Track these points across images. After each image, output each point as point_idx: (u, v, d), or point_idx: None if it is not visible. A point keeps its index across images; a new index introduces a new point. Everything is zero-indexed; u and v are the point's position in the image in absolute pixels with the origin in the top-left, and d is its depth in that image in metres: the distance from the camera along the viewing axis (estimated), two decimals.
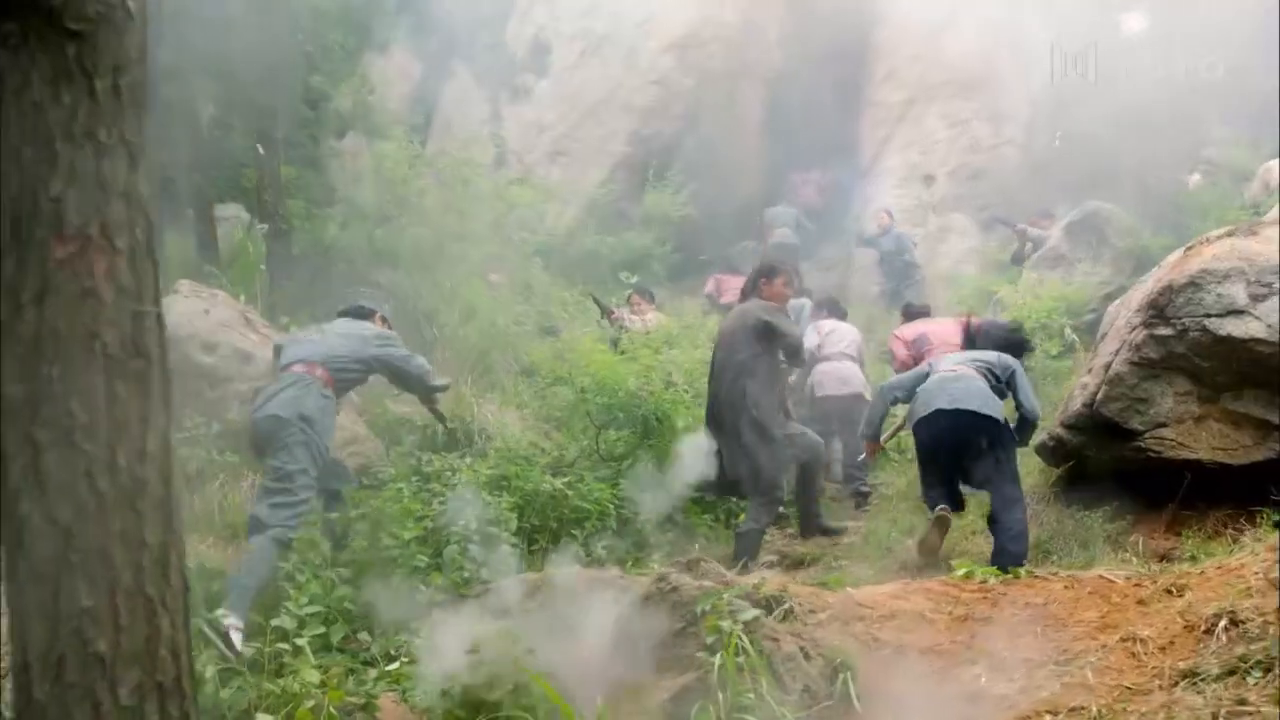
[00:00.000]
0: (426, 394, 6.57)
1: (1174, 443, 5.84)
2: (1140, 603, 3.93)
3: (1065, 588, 4.29)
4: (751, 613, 3.55)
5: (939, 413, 5.76)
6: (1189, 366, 5.81)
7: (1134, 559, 5.36)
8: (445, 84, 17.13)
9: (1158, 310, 5.88)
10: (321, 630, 4.39)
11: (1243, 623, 3.37)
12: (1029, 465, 6.93)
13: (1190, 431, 5.82)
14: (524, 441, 7.87)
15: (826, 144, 16.22)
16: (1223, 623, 3.40)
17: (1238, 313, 5.62)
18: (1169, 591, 3.94)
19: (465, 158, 14.11)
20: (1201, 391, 5.83)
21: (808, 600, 4.17)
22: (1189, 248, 6.25)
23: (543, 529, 6.59)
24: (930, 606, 4.16)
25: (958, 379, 5.88)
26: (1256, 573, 3.78)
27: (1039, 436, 6.59)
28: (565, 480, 6.78)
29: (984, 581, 4.49)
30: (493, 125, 16.58)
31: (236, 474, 6.96)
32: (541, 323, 12.28)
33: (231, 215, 13.15)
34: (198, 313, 7.42)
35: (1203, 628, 3.44)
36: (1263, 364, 5.55)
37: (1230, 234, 6.06)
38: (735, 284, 13.53)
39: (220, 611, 4.42)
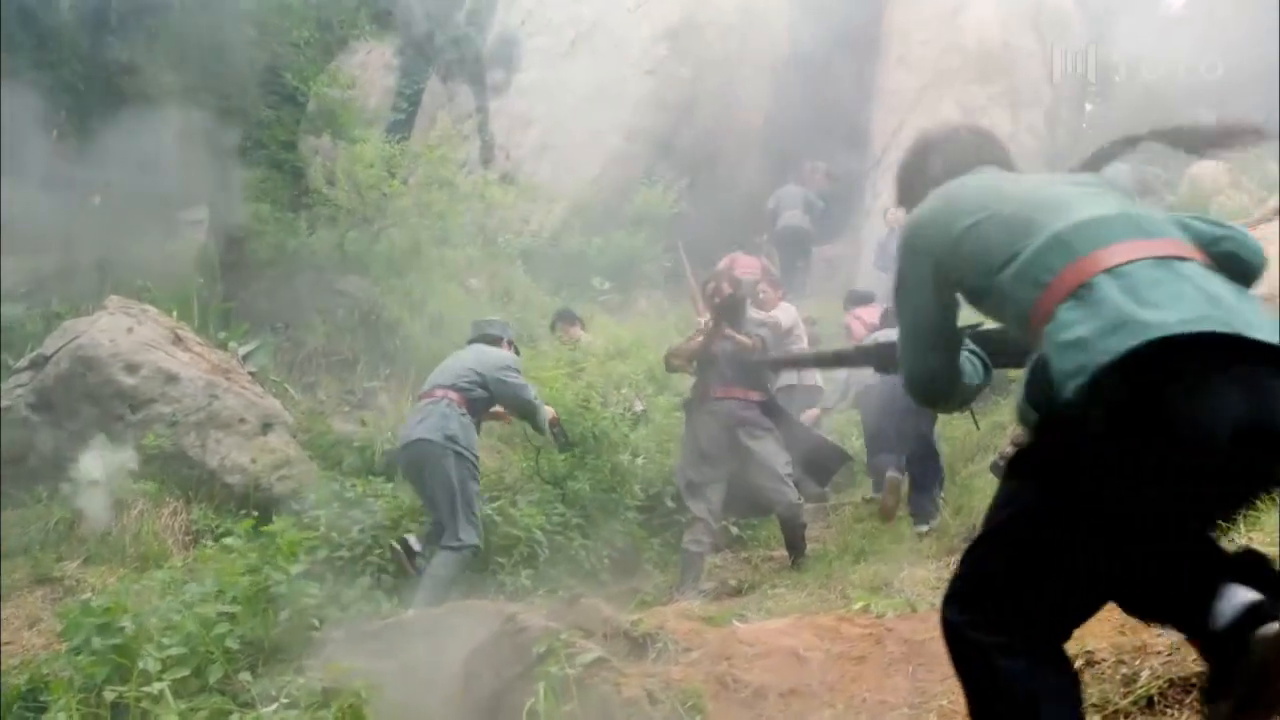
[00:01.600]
0: (535, 426, 7.11)
1: None
2: None
3: None
4: (591, 655, 3.68)
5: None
6: None
7: None
8: (429, 78, 17.32)
9: None
10: (185, 673, 4.53)
11: (1099, 663, 3.46)
12: (975, 484, 7.05)
13: None
14: None
15: (835, 135, 16.32)
16: (1079, 663, 3.49)
17: None
18: None
19: (444, 155, 14.27)
20: None
21: (685, 638, 4.29)
22: None
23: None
24: (811, 643, 4.28)
25: None
26: None
27: (992, 455, 6.70)
28: (495, 505, 6.93)
29: (879, 616, 4.59)
30: (478, 119, 16.77)
31: (157, 501, 7.15)
32: (519, 331, 12.34)
33: (200, 219, 13.29)
34: (121, 330, 7.62)
35: None
36: None
37: None
38: (749, 265, 13.75)
39: None
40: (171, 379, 7.56)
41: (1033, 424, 2.04)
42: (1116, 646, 3.54)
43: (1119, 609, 2.21)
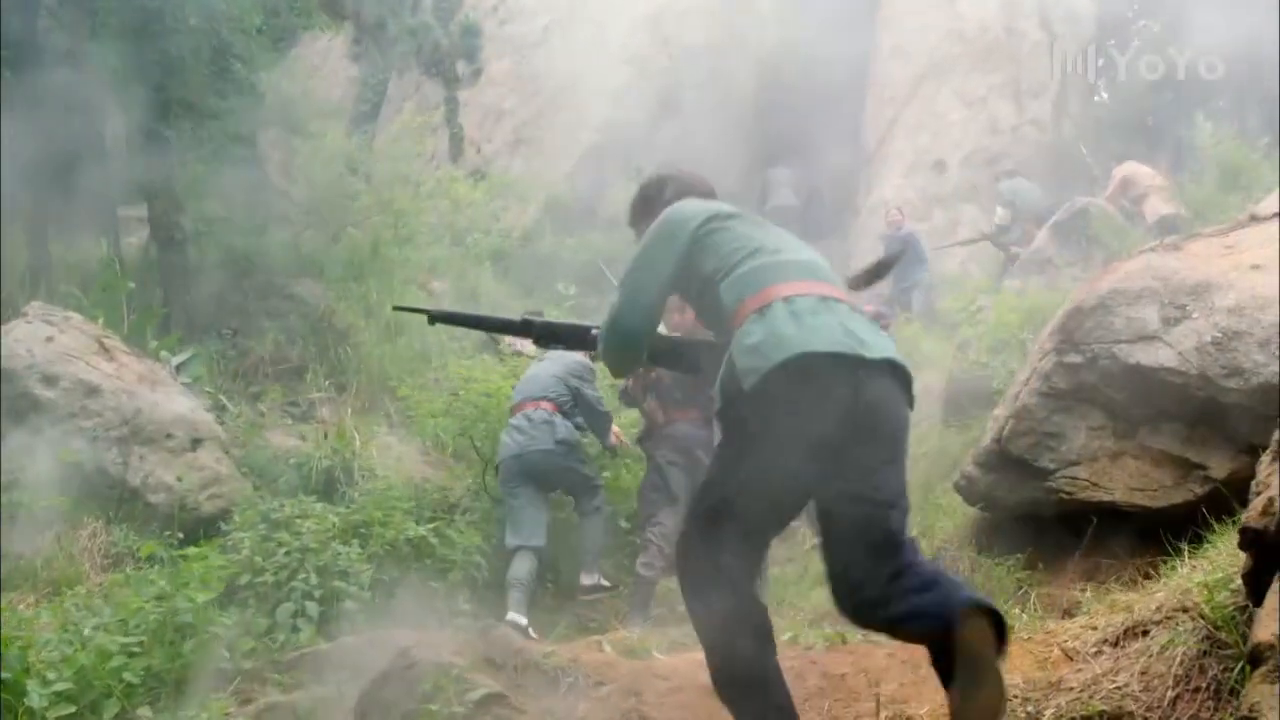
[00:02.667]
0: (600, 439, 7.78)
1: (1087, 483, 5.95)
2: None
3: (887, 655, 4.44)
4: (482, 691, 3.73)
5: None
6: (1101, 398, 5.93)
7: (1024, 614, 5.47)
8: (393, 68, 17.40)
9: (1067, 335, 6.01)
10: (71, 710, 4.58)
11: (1009, 700, 3.51)
12: (948, 504, 7.09)
13: (1105, 470, 5.93)
14: (408, 480, 8.09)
15: (826, 127, 16.36)
16: None
17: (1148, 338, 5.73)
18: None
19: (405, 150, 14.32)
20: (1116, 426, 5.95)
21: (598, 671, 4.35)
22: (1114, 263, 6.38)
23: (403, 582, 6.79)
24: None
25: None
26: (1065, 641, 3.92)
27: (954, 475, 6.76)
28: (432, 525, 6.98)
29: (808, 648, 4.65)
30: (446, 111, 16.85)
31: (73, 523, 7.18)
32: (483, 338, 12.37)
33: (143, 217, 13.26)
34: (39, 340, 7.67)
35: None
36: (1176, 396, 5.65)
37: (1153, 249, 6.17)
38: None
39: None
40: (92, 391, 7.60)
41: (721, 403, 3.08)
42: (1030, 681, 3.60)
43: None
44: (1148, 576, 5.67)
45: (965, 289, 12.56)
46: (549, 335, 3.82)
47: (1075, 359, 5.96)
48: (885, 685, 4.14)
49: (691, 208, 3.35)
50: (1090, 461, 5.96)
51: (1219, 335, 5.52)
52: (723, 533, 3.04)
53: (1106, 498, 5.89)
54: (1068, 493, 5.99)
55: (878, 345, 3.02)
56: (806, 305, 3.02)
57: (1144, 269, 5.94)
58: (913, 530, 7.29)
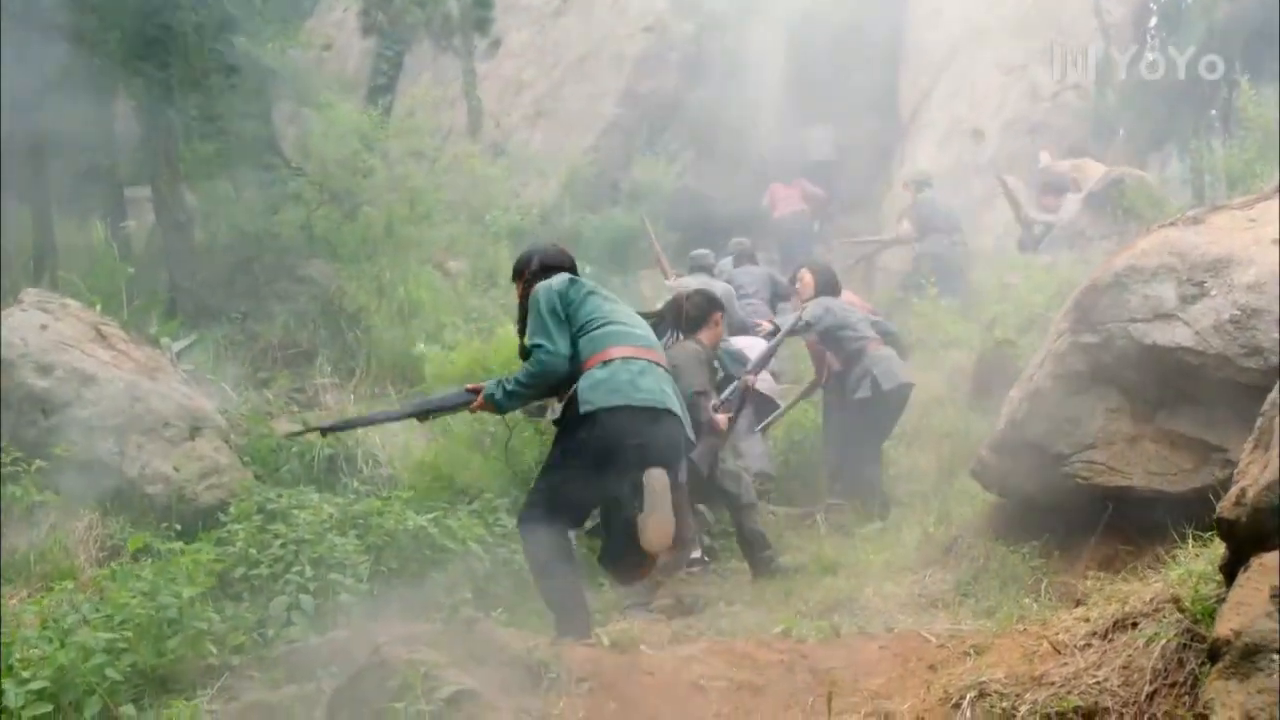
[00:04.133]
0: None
1: (1104, 467, 5.94)
2: (932, 667, 4.12)
3: (880, 648, 4.49)
4: (452, 689, 3.79)
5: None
6: (1118, 380, 5.92)
7: (1034, 603, 5.50)
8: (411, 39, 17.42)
9: (1082, 314, 5.99)
10: (48, 709, 4.68)
11: (989, 695, 3.55)
12: (970, 489, 7.10)
13: (1122, 454, 5.92)
14: (416, 467, 8.18)
15: (859, 97, 16.29)
16: (970, 695, 3.58)
17: (1165, 317, 5.71)
18: (968, 654, 4.12)
19: (421, 124, 14.34)
20: (1134, 408, 5.93)
21: (581, 666, 4.41)
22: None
23: (403, 574, 6.86)
24: (717, 672, 4.38)
25: None
26: (1057, 633, 3.94)
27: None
28: (432, 516, 7.05)
29: (800, 641, 4.69)
30: (464, 84, 16.86)
31: (70, 514, 7.30)
32: (501, 317, 12.43)
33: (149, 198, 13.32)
34: (33, 328, 7.78)
35: (953, 700, 3.63)
36: (1194, 377, 5.63)
37: (1172, 223, 6.14)
38: (787, 194, 13.90)
39: None
40: (88, 380, 7.71)
41: (561, 416, 5.13)
42: (1012, 675, 3.62)
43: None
44: (1157, 565, 5.68)
45: (996, 264, 12.57)
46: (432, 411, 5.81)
47: (1091, 339, 5.94)
48: (872, 680, 4.18)
49: (559, 283, 5.22)
50: (1107, 445, 5.95)
51: (1238, 313, 5.48)
52: (554, 509, 5.10)
53: (1124, 482, 5.88)
54: (1084, 477, 5.98)
55: (672, 399, 5.17)
56: (636, 365, 5.08)
57: (1161, 244, 5.90)
58: (931, 518, 7.32)
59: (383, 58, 17.49)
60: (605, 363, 5.01)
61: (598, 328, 5.11)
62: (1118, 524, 5.93)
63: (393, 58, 17.46)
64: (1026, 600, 5.63)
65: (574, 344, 5.09)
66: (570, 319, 5.11)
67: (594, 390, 4.94)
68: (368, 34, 15.21)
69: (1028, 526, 6.42)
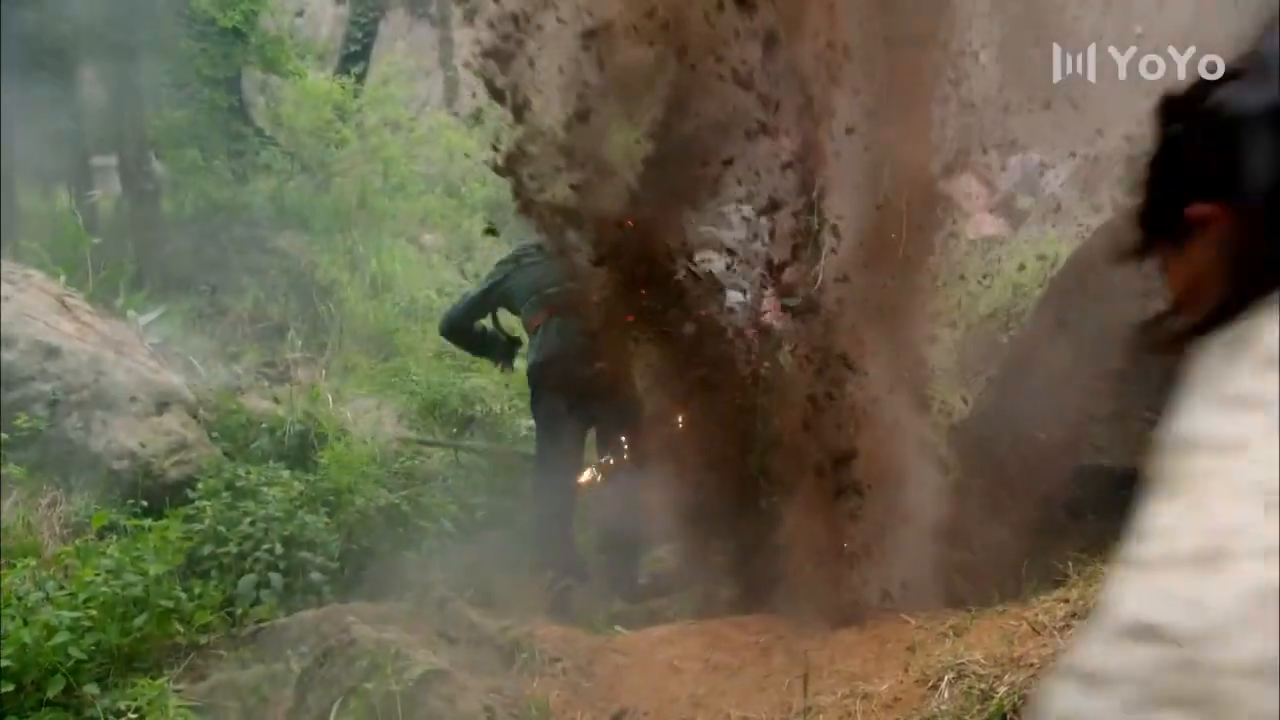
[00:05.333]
0: None
1: (1089, 446, 5.97)
2: (909, 649, 4.15)
3: (857, 629, 4.52)
4: (421, 668, 3.81)
5: None
6: (1104, 356, 5.93)
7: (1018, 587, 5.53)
8: (383, 7, 17.37)
9: (1067, 289, 6.02)
10: (10, 688, 4.68)
11: (967, 676, 3.58)
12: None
13: (1106, 433, 5.95)
14: (384, 444, 8.18)
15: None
16: (948, 676, 3.61)
17: (1152, 294, 5.72)
18: (945, 635, 4.15)
19: (396, 94, 14.32)
20: (1119, 386, 5.95)
21: (555, 646, 4.43)
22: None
23: (374, 553, 6.87)
24: (692, 653, 4.41)
25: None
26: (1035, 615, 3.98)
27: None
28: (405, 493, 7.06)
29: (776, 622, 4.73)
30: (440, 52, 16.82)
31: (32, 490, 7.28)
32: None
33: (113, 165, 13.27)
34: None
35: (931, 682, 3.66)
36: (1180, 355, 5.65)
37: None
38: None
39: None
40: (52, 353, 7.67)
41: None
42: (991, 657, 3.66)
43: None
44: None
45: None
46: None
47: (1077, 315, 5.97)
48: (850, 661, 4.21)
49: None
50: (1091, 423, 5.98)
51: None
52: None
53: (1108, 462, 5.90)
54: (1068, 457, 6.00)
55: None
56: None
57: None
58: None
59: (356, 25, 17.45)
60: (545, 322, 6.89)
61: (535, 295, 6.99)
62: (1105, 504, 5.95)
63: (367, 25, 17.42)
64: (1010, 583, 5.66)
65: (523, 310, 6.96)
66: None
67: (535, 350, 6.89)
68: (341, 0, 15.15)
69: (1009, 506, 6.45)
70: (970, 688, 3.53)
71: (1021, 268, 9.33)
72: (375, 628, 4.19)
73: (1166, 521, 1.06)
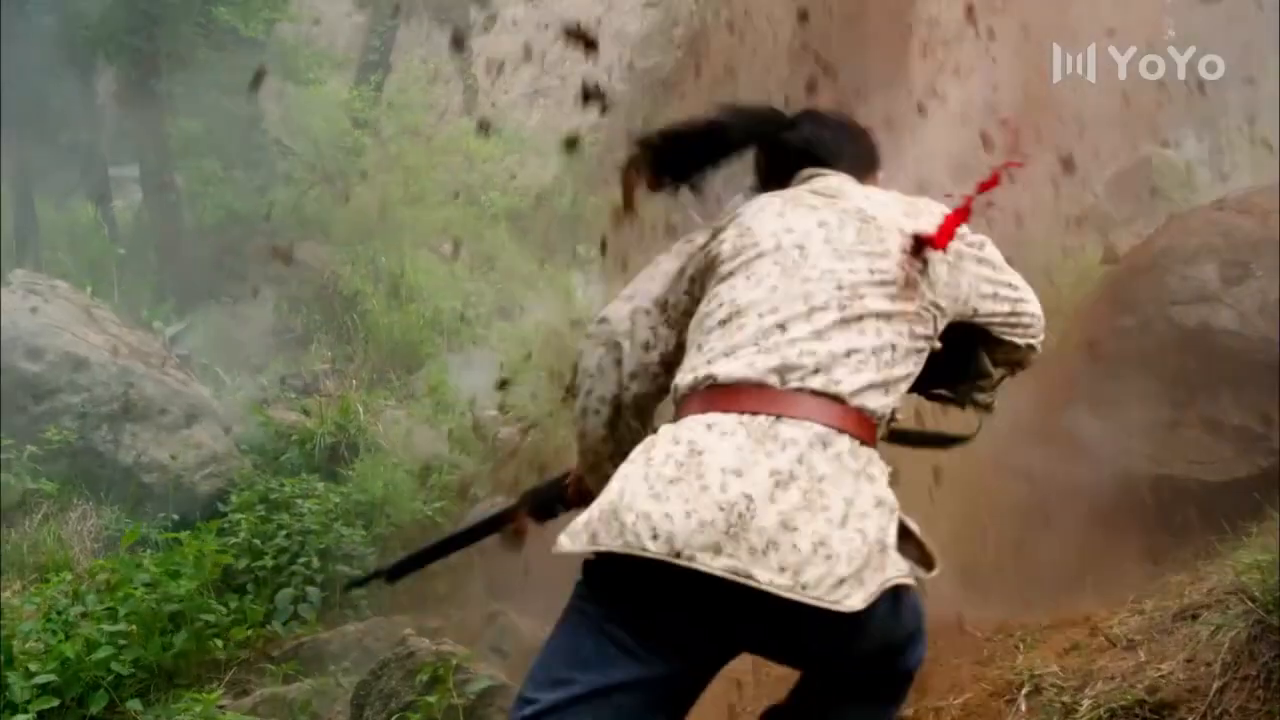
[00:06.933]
0: None
1: (1143, 455, 5.93)
2: (979, 662, 4.11)
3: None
4: (484, 683, 3.78)
5: None
6: (1156, 364, 5.90)
7: (1074, 598, 5.48)
8: (402, 13, 17.35)
9: (1117, 296, 5.98)
10: (55, 703, 4.66)
11: (1045, 690, 3.54)
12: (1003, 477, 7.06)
13: (1162, 442, 5.91)
14: (417, 457, 8.15)
15: (871, 74, 16.20)
16: (1025, 688, 3.57)
17: (1207, 299, 5.70)
18: (1015, 647, 4.11)
19: (415, 101, 14.30)
20: (1172, 394, 5.91)
21: None
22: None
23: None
24: (754, 667, 4.36)
25: None
26: (1109, 626, 3.93)
27: None
28: (440, 504, 7.04)
29: None
30: (459, 60, 16.78)
31: (62, 504, 7.27)
32: (500, 303, 12.42)
33: (135, 177, 13.29)
34: (24, 310, 7.75)
35: (1006, 695, 3.62)
36: (1237, 360, 5.62)
37: (1218, 205, 6.12)
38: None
39: None
40: (80, 365, 7.70)
41: None
42: (1068, 669, 3.62)
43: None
44: (1206, 556, 5.66)
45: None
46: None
47: (1128, 322, 5.93)
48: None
49: None
50: (1145, 433, 5.93)
51: None
52: None
53: (1163, 471, 5.86)
54: (1121, 466, 5.96)
55: None
56: None
57: (1203, 224, 5.90)
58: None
59: (374, 33, 17.45)
60: None
61: None
62: (1158, 514, 5.91)
63: (385, 33, 17.42)
64: (1065, 595, 5.62)
65: None
66: None
67: None
68: (362, 6, 15.15)
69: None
70: (1050, 701, 3.49)
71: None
72: (433, 640, 4.15)
73: None
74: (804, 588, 1.84)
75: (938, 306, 2.17)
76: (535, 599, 6.33)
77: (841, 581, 1.85)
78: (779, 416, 1.97)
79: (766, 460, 1.92)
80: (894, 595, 1.95)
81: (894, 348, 2.08)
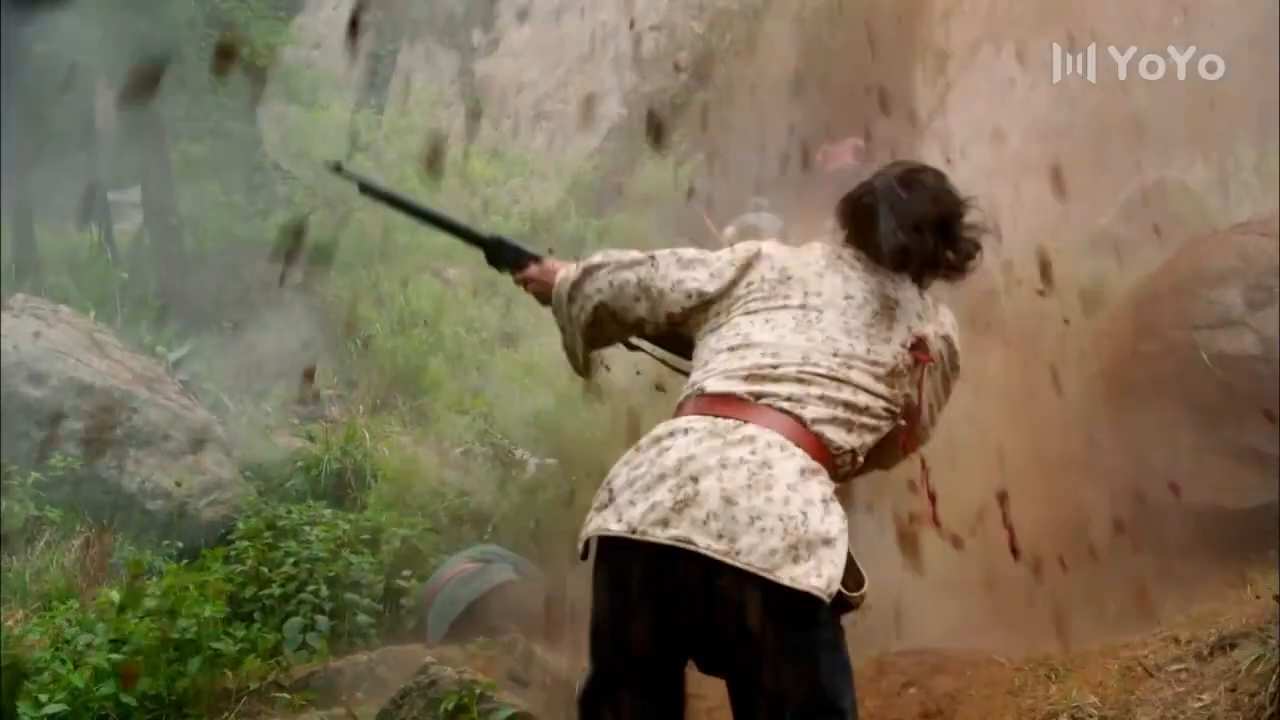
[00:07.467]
0: None
1: (1167, 482, 5.88)
2: (1010, 692, 4.06)
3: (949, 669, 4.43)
4: (508, 711, 3.73)
5: None
6: (1179, 390, 5.86)
7: (1101, 627, 5.43)
8: (404, 36, 17.40)
9: (1140, 322, 5.94)
10: None
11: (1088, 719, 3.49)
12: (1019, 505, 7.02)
13: (1186, 469, 5.86)
14: (424, 483, 8.10)
15: (872, 96, 16.21)
16: (1064, 718, 3.52)
17: (1231, 324, 5.66)
18: (1048, 677, 4.06)
19: (416, 125, 14.31)
20: (1196, 420, 5.87)
21: None
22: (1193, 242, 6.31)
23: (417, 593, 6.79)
24: None
25: None
26: (1144, 655, 3.89)
27: None
28: (449, 533, 6.99)
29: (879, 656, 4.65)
30: (461, 83, 16.84)
31: (65, 532, 7.21)
32: (504, 328, 12.40)
33: (136, 202, 13.29)
34: (26, 335, 7.70)
35: None
36: (1262, 385, 5.57)
37: (1242, 228, 6.09)
38: (838, 151, 13.84)
39: None
40: (84, 390, 7.65)
41: None
42: (1106, 700, 3.58)
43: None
44: (1235, 585, 5.61)
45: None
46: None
47: (1150, 347, 5.89)
48: (948, 703, 4.12)
49: None
50: (1170, 459, 5.89)
51: None
52: None
53: (1188, 499, 5.81)
54: (1146, 494, 5.91)
55: None
56: None
57: (1226, 248, 5.87)
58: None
59: (376, 58, 17.48)
60: None
61: None
62: (1184, 542, 5.86)
63: (387, 57, 17.45)
64: (1091, 623, 5.57)
65: None
66: None
67: None
68: (365, 30, 15.16)
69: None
70: None
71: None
72: (455, 669, 4.10)
73: None
74: (738, 554, 2.15)
75: (907, 397, 2.52)
76: (554, 628, 6.30)
77: (773, 552, 2.14)
78: (745, 421, 2.33)
79: (722, 450, 2.28)
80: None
81: (867, 409, 2.43)
